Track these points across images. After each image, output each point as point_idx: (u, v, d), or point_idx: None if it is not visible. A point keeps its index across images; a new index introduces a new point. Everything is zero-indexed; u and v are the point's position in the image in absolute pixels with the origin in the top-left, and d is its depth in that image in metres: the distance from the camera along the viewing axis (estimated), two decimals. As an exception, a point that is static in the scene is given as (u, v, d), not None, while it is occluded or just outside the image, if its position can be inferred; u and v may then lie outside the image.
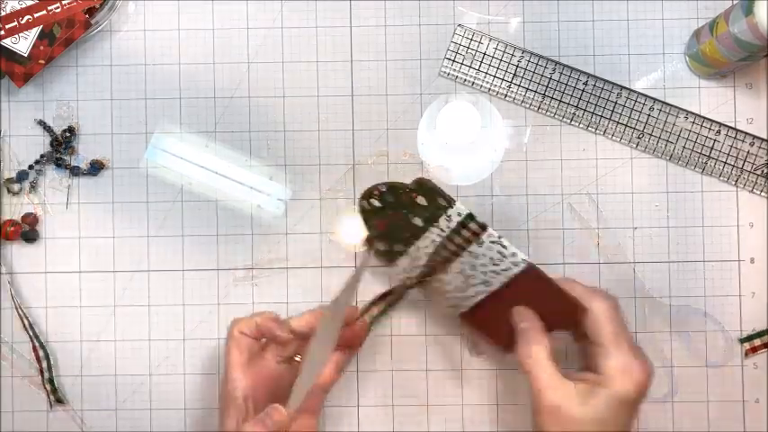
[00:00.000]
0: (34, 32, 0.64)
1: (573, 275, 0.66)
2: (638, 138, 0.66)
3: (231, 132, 0.67)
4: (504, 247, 0.57)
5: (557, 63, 0.66)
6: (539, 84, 0.66)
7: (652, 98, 0.66)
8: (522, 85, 0.67)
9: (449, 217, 0.58)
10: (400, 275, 0.61)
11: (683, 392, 0.66)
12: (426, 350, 0.67)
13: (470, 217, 0.58)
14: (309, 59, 0.67)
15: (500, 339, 0.58)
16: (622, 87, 0.66)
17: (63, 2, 0.64)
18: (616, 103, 0.66)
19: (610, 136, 0.66)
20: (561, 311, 0.56)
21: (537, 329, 0.56)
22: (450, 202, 0.58)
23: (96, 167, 0.67)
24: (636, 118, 0.66)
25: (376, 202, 0.60)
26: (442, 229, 0.58)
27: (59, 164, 0.67)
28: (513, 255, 0.57)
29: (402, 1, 0.67)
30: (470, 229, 0.58)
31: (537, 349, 0.55)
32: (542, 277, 0.57)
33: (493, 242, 0.57)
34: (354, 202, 0.66)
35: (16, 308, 0.66)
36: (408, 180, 0.60)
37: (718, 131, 0.66)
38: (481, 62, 0.67)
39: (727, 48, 0.60)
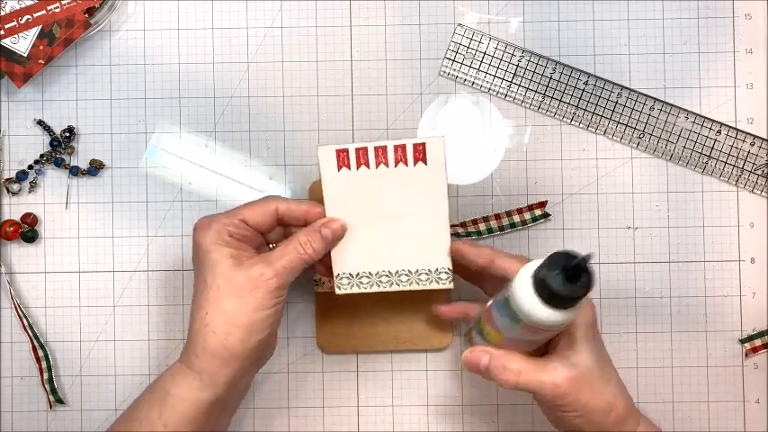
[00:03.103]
0: (34, 32, 0.64)
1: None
2: (639, 138, 0.66)
3: (231, 132, 0.67)
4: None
5: (557, 63, 0.66)
6: (539, 84, 0.66)
7: (652, 98, 0.66)
8: (522, 84, 0.66)
9: None
10: None
11: (683, 392, 0.66)
12: (426, 351, 0.67)
13: None
14: (309, 59, 0.67)
15: None
16: (622, 87, 0.66)
17: (62, 2, 0.64)
18: (616, 102, 0.66)
19: (610, 136, 0.66)
20: None
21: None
22: None
23: (96, 167, 0.67)
24: (636, 118, 0.66)
25: None
26: None
27: (59, 164, 0.67)
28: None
29: (402, 1, 0.67)
30: None
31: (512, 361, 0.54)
32: None
33: None
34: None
35: (16, 308, 0.66)
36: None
37: (719, 131, 0.66)
38: (481, 62, 0.67)
39: (516, 347, 0.54)
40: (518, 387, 0.53)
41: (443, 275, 0.57)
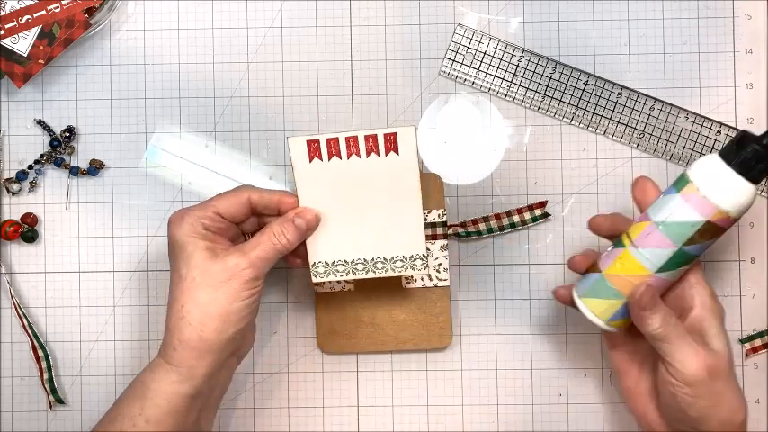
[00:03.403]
0: (34, 32, 0.64)
1: (573, 275, 0.66)
2: (639, 138, 0.66)
3: (231, 132, 0.67)
4: None
5: (557, 63, 0.66)
6: (539, 84, 0.66)
7: (652, 98, 0.66)
8: (522, 84, 0.66)
9: None
10: None
11: (683, 392, 0.66)
12: (426, 351, 0.67)
13: None
14: (309, 59, 0.67)
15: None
16: (622, 87, 0.66)
17: (62, 2, 0.64)
18: (616, 102, 0.66)
19: (610, 136, 0.66)
20: None
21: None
22: None
23: (96, 167, 0.67)
24: (636, 118, 0.66)
25: None
26: None
27: (59, 164, 0.67)
28: None
29: (402, 1, 0.67)
30: None
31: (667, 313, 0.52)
32: None
33: None
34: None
35: (16, 308, 0.66)
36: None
37: (719, 131, 0.66)
38: (481, 62, 0.67)
39: (658, 244, 0.53)
40: (660, 343, 0.52)
41: (418, 261, 0.58)
